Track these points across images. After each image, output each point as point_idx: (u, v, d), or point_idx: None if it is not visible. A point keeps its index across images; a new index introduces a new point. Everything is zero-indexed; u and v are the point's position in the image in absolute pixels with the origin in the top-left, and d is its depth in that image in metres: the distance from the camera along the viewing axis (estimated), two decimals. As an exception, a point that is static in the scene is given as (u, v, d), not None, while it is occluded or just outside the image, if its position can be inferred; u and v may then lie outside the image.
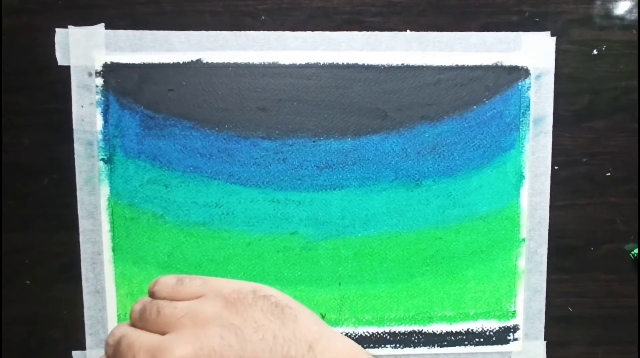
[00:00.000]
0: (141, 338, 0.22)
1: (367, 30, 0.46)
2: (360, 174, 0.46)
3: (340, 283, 0.47)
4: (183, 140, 0.45)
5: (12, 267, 0.46)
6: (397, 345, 0.48)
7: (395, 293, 0.47)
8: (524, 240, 0.48)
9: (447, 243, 0.47)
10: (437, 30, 0.46)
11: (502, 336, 0.48)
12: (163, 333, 0.23)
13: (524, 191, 0.47)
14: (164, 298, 0.24)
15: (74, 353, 0.46)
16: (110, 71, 0.44)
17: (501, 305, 0.48)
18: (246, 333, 0.22)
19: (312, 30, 0.45)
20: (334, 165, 0.46)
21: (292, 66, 0.45)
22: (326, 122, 0.46)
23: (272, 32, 0.45)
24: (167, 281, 0.25)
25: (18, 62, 0.44)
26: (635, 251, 0.48)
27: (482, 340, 0.48)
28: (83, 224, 0.45)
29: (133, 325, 0.24)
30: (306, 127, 0.46)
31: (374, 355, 0.29)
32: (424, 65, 0.46)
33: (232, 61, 0.45)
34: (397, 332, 0.47)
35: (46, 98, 0.45)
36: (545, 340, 0.49)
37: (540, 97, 0.47)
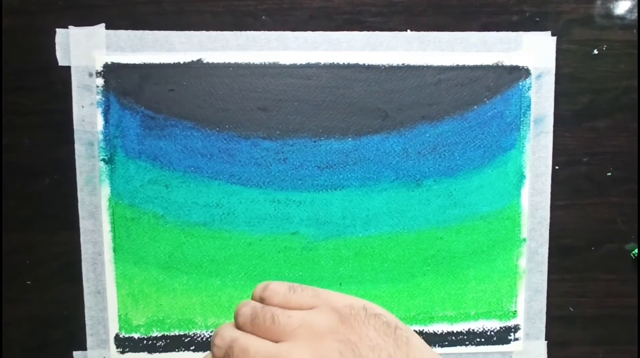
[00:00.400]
0: (255, 345, 0.22)
1: (368, 30, 0.45)
2: (361, 174, 0.46)
3: (341, 283, 0.47)
4: (184, 140, 0.45)
5: (12, 267, 0.46)
6: (398, 345, 0.48)
7: (396, 293, 0.47)
8: (524, 239, 0.48)
9: (447, 243, 0.47)
10: (438, 30, 0.46)
11: (503, 336, 0.48)
12: (276, 341, 0.22)
13: (525, 191, 0.47)
14: (275, 305, 0.24)
15: (75, 353, 0.46)
16: (111, 71, 0.44)
17: (502, 305, 0.48)
18: (363, 351, 0.22)
19: (313, 30, 0.45)
20: (334, 165, 0.46)
21: (293, 66, 0.45)
22: (327, 123, 0.46)
23: (273, 32, 0.45)
24: (278, 289, 0.24)
25: (18, 62, 0.44)
26: (636, 251, 0.48)
27: (483, 340, 0.48)
28: (84, 224, 0.45)
29: (240, 328, 0.24)
30: (307, 127, 0.46)
31: None
32: (425, 65, 0.46)
33: (232, 61, 0.45)
34: (398, 332, 0.47)
35: (46, 98, 0.45)
36: (546, 340, 0.49)
37: (541, 97, 0.47)
